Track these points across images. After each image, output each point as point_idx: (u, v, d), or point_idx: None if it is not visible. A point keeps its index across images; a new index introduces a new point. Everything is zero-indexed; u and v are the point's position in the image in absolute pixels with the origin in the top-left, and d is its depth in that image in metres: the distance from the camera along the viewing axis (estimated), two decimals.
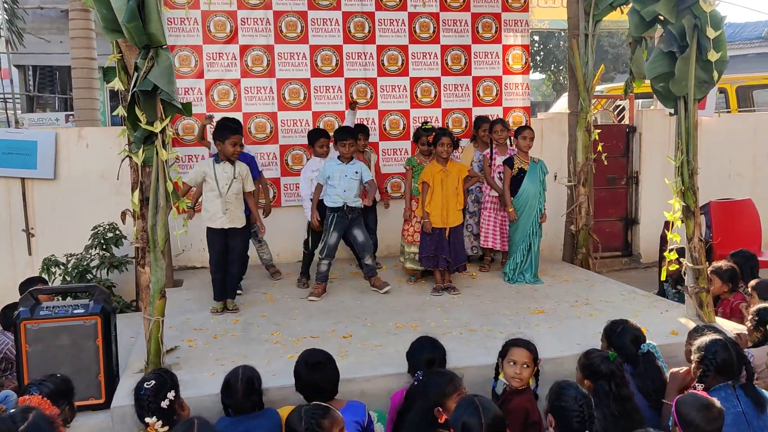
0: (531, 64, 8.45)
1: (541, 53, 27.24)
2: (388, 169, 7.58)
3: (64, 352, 3.92)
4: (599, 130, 6.97)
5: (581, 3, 6.63)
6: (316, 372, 3.43)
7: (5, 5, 12.48)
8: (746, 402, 3.13)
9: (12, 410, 2.67)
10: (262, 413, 3.34)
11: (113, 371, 4.06)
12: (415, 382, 3.41)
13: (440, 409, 3.16)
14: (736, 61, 24.38)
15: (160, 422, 3.20)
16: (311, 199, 6.09)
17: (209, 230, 5.50)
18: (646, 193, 8.69)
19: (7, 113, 14.28)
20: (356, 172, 5.86)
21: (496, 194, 6.48)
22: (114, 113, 4.14)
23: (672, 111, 4.90)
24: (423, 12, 7.54)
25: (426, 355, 3.75)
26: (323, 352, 3.61)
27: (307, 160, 7.28)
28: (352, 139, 5.91)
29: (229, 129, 5.42)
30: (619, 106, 11.11)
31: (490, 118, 7.13)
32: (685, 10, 4.54)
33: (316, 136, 6.41)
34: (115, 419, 3.72)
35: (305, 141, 7.24)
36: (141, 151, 3.91)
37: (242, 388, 3.30)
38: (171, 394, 3.30)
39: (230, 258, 5.55)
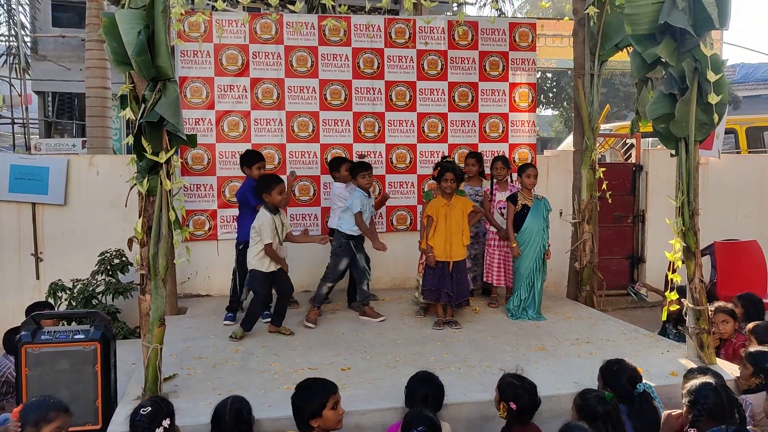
0: (538, 101, 8.51)
1: (554, 90, 27.48)
2: (394, 201, 7.63)
3: (63, 376, 3.98)
4: (604, 168, 7.01)
5: (587, 44, 6.73)
6: (297, 395, 3.45)
7: (24, 36, 12.82)
8: None
9: None
10: None
11: (111, 397, 4.10)
12: None
13: None
14: (750, 101, 24.50)
15: None
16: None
17: (262, 274, 5.59)
18: (653, 232, 8.69)
19: (25, 138, 14.54)
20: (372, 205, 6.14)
21: (496, 229, 6.53)
22: (124, 142, 4.24)
23: (673, 152, 4.94)
24: (431, 50, 7.67)
25: (423, 390, 3.76)
26: (320, 380, 3.59)
27: (315, 191, 7.40)
28: (370, 171, 6.14)
29: (274, 179, 5.65)
30: (628, 143, 11.18)
31: (483, 155, 7.20)
32: (685, 54, 4.61)
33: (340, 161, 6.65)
34: None
35: (313, 172, 7.38)
36: (146, 180, 4.00)
37: (231, 419, 3.32)
38: (166, 422, 3.32)
39: (285, 293, 5.75)
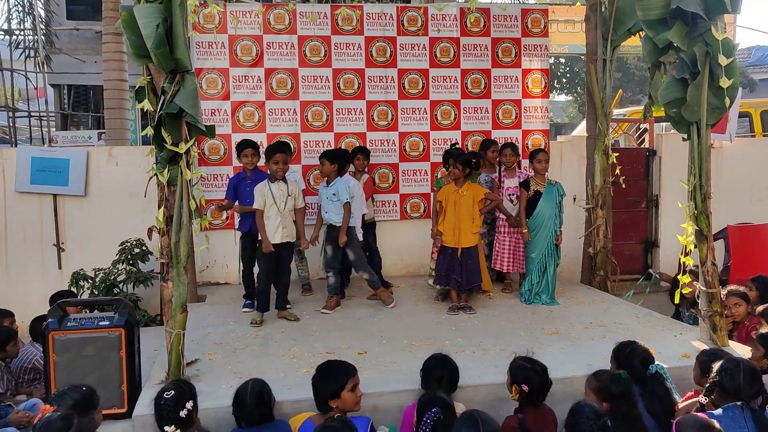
0: (551, 87, 8.51)
1: (568, 75, 27.28)
2: (407, 189, 7.72)
3: (89, 362, 4.08)
4: (617, 154, 7.02)
5: (599, 29, 6.74)
6: (318, 376, 3.55)
7: (41, 29, 12.96)
8: (752, 426, 3.15)
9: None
10: (273, 424, 3.45)
11: (136, 381, 4.21)
12: (433, 417, 3.23)
13: None
14: (766, 84, 24.20)
15: (179, 431, 3.33)
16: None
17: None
18: (666, 216, 8.68)
19: (41, 131, 14.73)
20: (333, 194, 6.04)
21: (505, 216, 6.57)
22: (143, 133, 4.33)
23: (685, 136, 4.96)
24: (444, 37, 7.70)
25: (438, 371, 3.85)
26: (340, 362, 3.69)
27: None
28: (324, 160, 6.07)
29: (274, 149, 5.79)
30: (642, 128, 11.13)
31: (498, 141, 7.25)
32: (696, 38, 4.63)
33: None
34: (136, 428, 3.86)
35: None
36: (166, 170, 4.09)
37: (252, 401, 3.41)
38: (189, 404, 3.44)
39: (282, 270, 5.88)
